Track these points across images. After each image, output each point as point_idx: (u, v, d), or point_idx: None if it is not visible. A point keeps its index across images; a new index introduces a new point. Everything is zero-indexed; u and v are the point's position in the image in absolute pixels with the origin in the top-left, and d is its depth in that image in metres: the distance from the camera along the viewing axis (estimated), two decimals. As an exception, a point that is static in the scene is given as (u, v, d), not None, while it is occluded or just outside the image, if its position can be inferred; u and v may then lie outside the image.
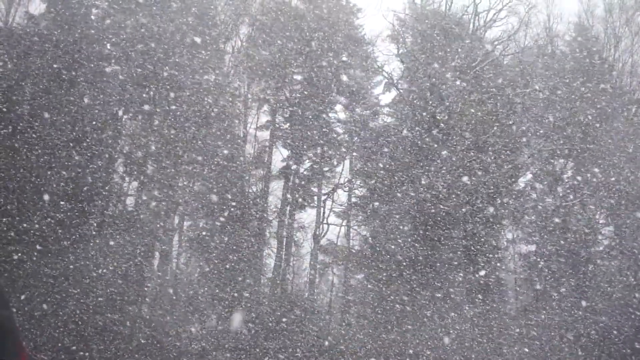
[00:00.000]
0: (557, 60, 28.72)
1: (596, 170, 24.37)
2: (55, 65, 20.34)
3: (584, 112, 25.20)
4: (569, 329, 21.93)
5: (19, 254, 17.59)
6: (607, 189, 24.18)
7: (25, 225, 18.00)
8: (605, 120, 25.60)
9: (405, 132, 25.85)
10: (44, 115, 19.47)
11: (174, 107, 23.15)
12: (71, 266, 18.30)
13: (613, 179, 23.96)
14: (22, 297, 16.99)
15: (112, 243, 19.67)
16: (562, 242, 23.63)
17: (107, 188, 21.05)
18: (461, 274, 22.90)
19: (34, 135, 19.14)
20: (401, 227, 23.53)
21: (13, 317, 2.43)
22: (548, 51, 29.58)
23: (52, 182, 18.90)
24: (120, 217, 21.10)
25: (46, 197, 18.63)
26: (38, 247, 18.01)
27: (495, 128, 24.88)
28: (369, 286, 23.51)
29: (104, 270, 18.99)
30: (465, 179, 23.60)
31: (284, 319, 21.86)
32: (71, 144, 19.82)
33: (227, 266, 22.44)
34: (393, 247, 23.19)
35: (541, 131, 25.65)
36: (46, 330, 17.31)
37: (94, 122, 20.58)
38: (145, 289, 20.91)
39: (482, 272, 22.90)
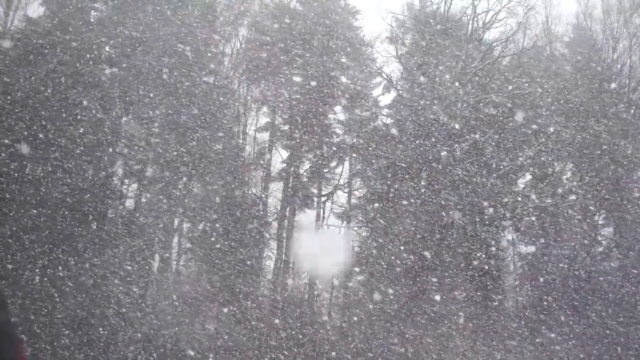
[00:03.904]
0: (556, 62, 28.75)
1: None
2: (53, 68, 20.35)
3: (584, 113, 25.24)
4: (570, 330, 21.94)
5: (18, 257, 17.59)
6: (607, 190, 24.22)
7: (24, 227, 18.00)
8: (604, 121, 25.63)
9: (404, 133, 25.86)
10: (43, 118, 19.48)
11: (173, 108, 23.16)
12: (70, 268, 18.30)
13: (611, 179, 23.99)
14: (19, 296, 17.00)
15: (111, 245, 19.68)
16: (561, 243, 23.66)
17: (106, 190, 21.05)
18: (461, 275, 22.90)
19: (32, 138, 19.14)
20: (400, 228, 23.53)
21: (11, 320, 2.43)
22: (547, 52, 29.61)
23: (51, 185, 18.90)
24: (120, 219, 21.11)
25: (45, 199, 18.63)
26: (37, 249, 18.01)
27: (494, 129, 24.90)
28: (369, 287, 23.51)
29: (104, 272, 18.99)
30: (464, 179, 23.61)
31: (283, 321, 21.86)
32: (70, 147, 19.83)
33: (227, 268, 22.45)
34: (392, 248, 23.20)
35: (540, 132, 25.66)
36: (45, 333, 17.30)
37: (93, 124, 20.59)
38: (145, 290, 20.91)
39: (482, 273, 22.91)
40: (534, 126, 25.49)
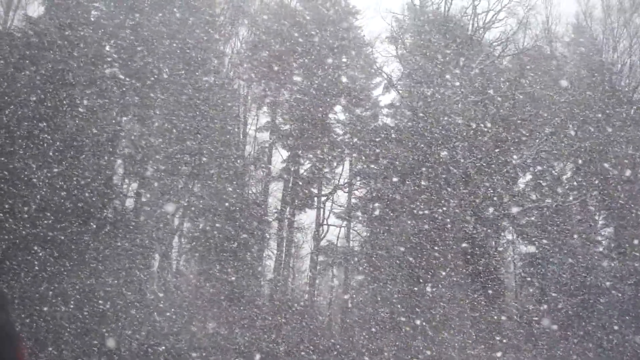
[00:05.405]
0: (556, 62, 28.75)
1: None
2: (53, 67, 20.34)
3: (583, 113, 25.23)
4: (570, 329, 21.93)
5: (18, 257, 17.58)
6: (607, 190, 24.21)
7: (23, 228, 17.98)
8: (604, 121, 25.62)
9: (404, 133, 25.85)
10: (43, 118, 19.47)
11: (173, 108, 23.15)
12: (70, 268, 18.29)
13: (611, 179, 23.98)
14: (19, 299, 16.99)
15: (111, 244, 19.66)
16: (561, 242, 23.65)
17: (106, 190, 21.04)
18: (461, 275, 22.89)
19: (32, 138, 19.13)
20: (400, 228, 23.53)
21: (11, 320, 2.43)
22: (547, 52, 29.62)
23: (51, 185, 18.89)
24: (120, 219, 21.09)
25: (45, 199, 18.62)
26: (37, 249, 18.00)
27: (494, 129, 24.89)
28: (369, 287, 23.51)
29: (103, 272, 18.97)
30: (464, 179, 23.61)
31: (284, 321, 21.85)
32: (70, 146, 19.81)
33: (227, 268, 22.43)
34: (392, 247, 23.20)
35: (540, 132, 25.65)
36: (44, 332, 17.29)
37: (92, 124, 20.57)
38: (145, 290, 20.89)
39: (482, 273, 22.90)
40: (534, 126, 25.46)
